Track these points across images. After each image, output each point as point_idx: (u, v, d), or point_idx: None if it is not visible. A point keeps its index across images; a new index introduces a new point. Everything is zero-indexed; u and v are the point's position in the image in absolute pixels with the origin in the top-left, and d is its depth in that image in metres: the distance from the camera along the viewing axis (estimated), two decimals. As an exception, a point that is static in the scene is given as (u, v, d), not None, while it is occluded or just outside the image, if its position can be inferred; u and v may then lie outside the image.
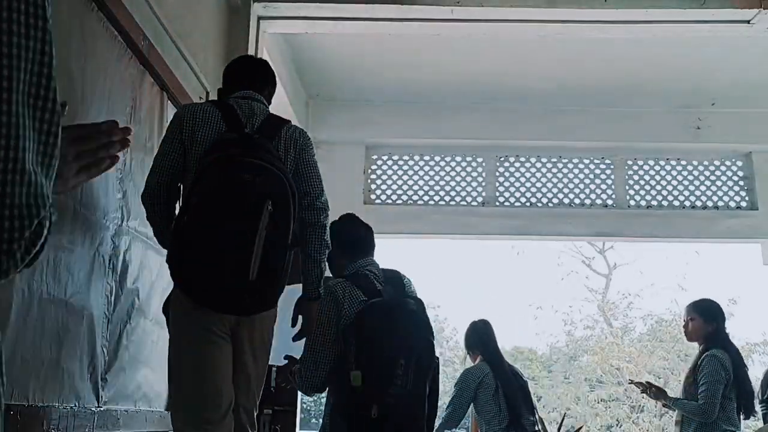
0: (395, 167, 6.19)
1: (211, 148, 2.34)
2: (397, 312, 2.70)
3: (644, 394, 4.30)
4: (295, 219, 2.36)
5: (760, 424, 4.51)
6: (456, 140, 6.12)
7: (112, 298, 2.60)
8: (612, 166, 6.20)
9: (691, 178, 6.18)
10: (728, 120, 6.02)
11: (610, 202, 6.14)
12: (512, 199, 6.12)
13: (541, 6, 4.19)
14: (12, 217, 0.65)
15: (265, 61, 2.88)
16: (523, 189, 6.15)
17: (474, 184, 6.15)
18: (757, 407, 4.09)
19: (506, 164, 6.21)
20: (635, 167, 6.20)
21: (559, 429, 5.88)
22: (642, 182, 6.17)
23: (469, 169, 6.18)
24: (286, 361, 3.00)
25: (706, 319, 3.97)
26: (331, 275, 2.81)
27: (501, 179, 6.17)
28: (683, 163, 6.20)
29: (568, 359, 19.85)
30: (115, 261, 2.62)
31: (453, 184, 6.14)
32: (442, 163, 6.19)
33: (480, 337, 4.57)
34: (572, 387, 17.93)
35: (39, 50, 0.73)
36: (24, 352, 2.02)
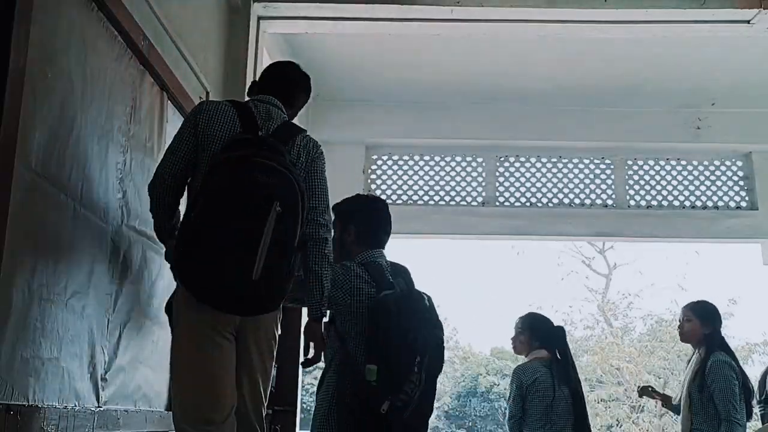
0: (395, 167, 6.19)
1: (224, 147, 2.34)
2: (414, 308, 2.68)
3: (654, 400, 4.30)
4: (303, 223, 2.36)
5: (760, 424, 4.51)
6: (456, 140, 6.12)
7: (112, 298, 2.61)
8: (612, 166, 6.20)
9: (691, 178, 6.18)
10: (728, 120, 6.01)
11: (610, 202, 6.14)
12: (512, 199, 6.12)
13: (541, 6, 4.19)
14: None
15: (299, 72, 2.79)
16: (523, 189, 6.15)
17: (474, 184, 6.15)
18: (756, 407, 4.09)
19: (506, 164, 6.21)
20: (635, 167, 6.20)
21: None
22: (642, 182, 6.17)
23: (469, 169, 6.19)
24: None
25: (702, 321, 3.96)
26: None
27: (501, 179, 6.17)
28: (683, 163, 6.20)
29: (567, 359, 19.82)
30: (115, 261, 2.62)
31: (453, 184, 6.14)
32: (442, 163, 6.19)
33: (555, 337, 4.28)
34: (572, 387, 17.92)
35: None
36: (24, 352, 2.02)
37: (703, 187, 6.16)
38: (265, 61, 4.39)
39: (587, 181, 6.18)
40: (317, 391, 2.78)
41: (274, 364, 2.51)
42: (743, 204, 6.11)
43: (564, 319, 19.81)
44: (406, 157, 6.20)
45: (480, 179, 6.16)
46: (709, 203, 6.12)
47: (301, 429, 4.82)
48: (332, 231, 2.61)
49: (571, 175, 6.18)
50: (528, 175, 6.18)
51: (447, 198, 6.12)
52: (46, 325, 2.14)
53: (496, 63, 5.44)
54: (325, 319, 2.65)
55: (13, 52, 1.93)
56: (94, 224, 2.45)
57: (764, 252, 6.18)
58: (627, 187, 6.15)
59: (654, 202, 6.13)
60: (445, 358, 2.78)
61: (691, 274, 39.69)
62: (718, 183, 6.16)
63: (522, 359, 4.30)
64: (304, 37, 4.88)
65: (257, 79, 2.79)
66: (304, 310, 2.65)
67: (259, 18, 4.24)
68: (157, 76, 3.01)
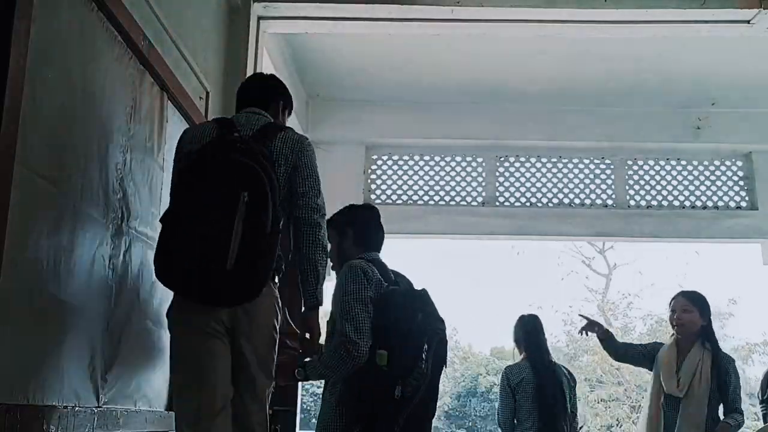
0: (395, 167, 6.19)
1: (197, 151, 2.42)
2: (419, 299, 2.76)
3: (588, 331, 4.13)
4: (274, 208, 2.34)
5: (760, 424, 4.51)
6: (456, 140, 6.12)
7: (112, 298, 2.60)
8: (612, 166, 6.21)
9: (691, 178, 6.18)
10: (728, 120, 6.02)
11: (610, 202, 6.14)
12: (512, 199, 6.13)
13: (541, 6, 4.19)
14: None
15: (268, 76, 2.91)
16: (523, 189, 6.15)
17: (474, 184, 6.15)
18: (757, 407, 4.06)
19: (506, 164, 6.21)
20: (635, 167, 6.20)
21: None
22: (642, 182, 6.17)
23: (469, 169, 6.19)
24: None
25: (701, 313, 3.90)
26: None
27: (501, 179, 6.17)
28: (683, 163, 6.20)
29: (568, 359, 19.85)
30: (115, 261, 2.62)
31: (453, 184, 6.14)
32: (442, 163, 6.19)
33: (524, 332, 4.46)
34: (572, 387, 17.93)
35: None
36: (24, 352, 2.02)
37: (703, 187, 6.16)
38: (266, 61, 4.39)
39: (587, 181, 6.18)
40: (324, 387, 2.81)
41: (275, 358, 2.49)
42: (743, 204, 6.12)
43: (564, 319, 19.84)
44: (406, 157, 6.20)
45: (480, 179, 6.16)
46: (709, 203, 6.12)
47: (301, 429, 4.82)
48: (325, 216, 2.63)
49: (571, 175, 6.18)
50: (528, 175, 6.18)
51: (447, 198, 6.12)
52: (46, 325, 2.15)
53: (496, 63, 5.44)
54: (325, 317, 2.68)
55: (13, 52, 1.93)
56: (94, 224, 2.45)
57: (764, 252, 6.18)
58: (627, 187, 6.15)
59: (654, 202, 6.13)
60: (444, 347, 2.81)
61: (691, 274, 39.60)
62: (718, 183, 6.16)
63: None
64: (304, 37, 4.88)
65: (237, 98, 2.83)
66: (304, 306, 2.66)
67: (259, 18, 4.24)
68: (157, 76, 3.00)
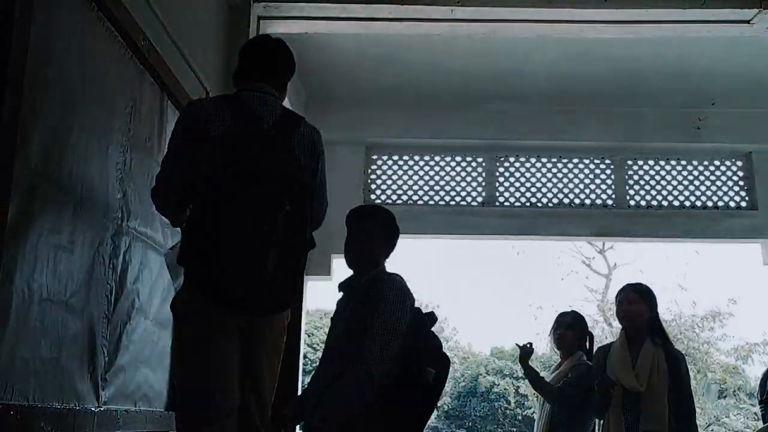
0: (395, 167, 6.19)
1: (226, 146, 2.26)
2: (433, 323, 2.84)
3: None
4: (311, 220, 2.35)
5: (760, 424, 4.51)
6: (456, 140, 6.12)
7: (112, 298, 2.60)
8: (612, 166, 6.20)
9: (691, 178, 6.18)
10: (728, 120, 6.02)
11: (610, 202, 6.14)
12: (512, 199, 6.12)
13: (540, 6, 4.19)
14: None
15: (281, 46, 2.63)
16: (523, 189, 6.15)
17: (474, 184, 6.15)
18: (756, 407, 4.01)
19: (506, 164, 6.21)
20: (635, 167, 6.20)
21: None
22: (642, 182, 6.17)
23: (469, 169, 6.19)
24: None
25: (648, 305, 3.73)
26: None
27: (501, 179, 6.17)
28: (683, 163, 6.20)
29: (568, 359, 19.83)
30: (115, 261, 2.62)
31: (453, 184, 6.14)
32: (442, 163, 6.19)
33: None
34: (572, 387, 17.92)
35: None
36: (24, 352, 2.02)
37: (703, 187, 6.16)
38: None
39: (587, 181, 6.18)
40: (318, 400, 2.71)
41: (280, 364, 2.48)
42: (743, 204, 6.11)
43: (564, 319, 19.79)
44: (406, 157, 6.20)
45: (480, 179, 6.16)
46: (709, 203, 6.12)
47: (301, 429, 4.81)
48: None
49: (571, 175, 6.18)
50: (528, 175, 6.18)
51: (447, 198, 6.12)
52: (46, 325, 2.14)
53: (496, 63, 5.44)
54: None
55: (13, 52, 1.94)
56: (94, 224, 2.45)
57: (764, 252, 6.18)
58: (627, 187, 6.15)
59: (654, 202, 6.13)
60: None
61: (691, 274, 39.70)
62: (718, 183, 6.16)
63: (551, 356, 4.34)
64: (304, 37, 4.88)
65: (238, 62, 2.62)
66: (305, 305, 2.66)
67: (259, 18, 4.23)
68: (157, 76, 3.01)
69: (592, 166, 6.21)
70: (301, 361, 5.53)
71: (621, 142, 6.11)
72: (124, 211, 2.69)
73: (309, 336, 18.41)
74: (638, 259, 34.65)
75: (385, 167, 6.19)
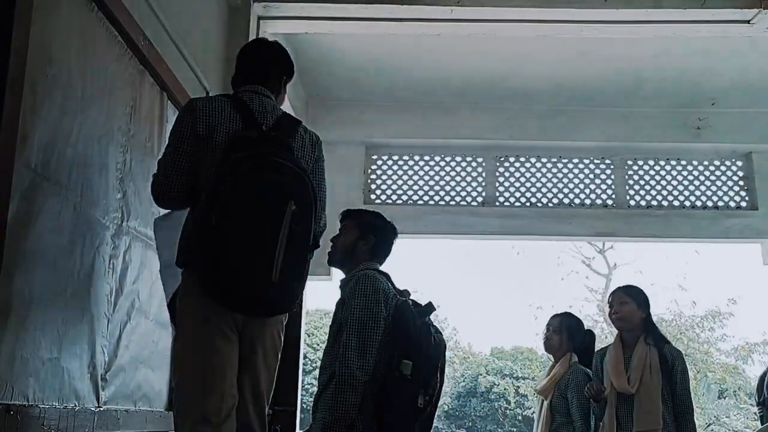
0: (395, 167, 6.19)
1: (229, 146, 2.27)
2: (427, 313, 2.80)
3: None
4: (316, 220, 2.36)
5: (759, 424, 4.51)
6: (456, 140, 6.12)
7: (112, 298, 2.60)
8: (612, 166, 6.21)
9: (691, 178, 6.18)
10: (728, 120, 6.02)
11: (610, 202, 6.14)
12: (512, 199, 6.12)
13: (540, 6, 4.19)
14: None
15: (277, 48, 2.67)
16: (523, 189, 6.15)
17: (474, 184, 6.15)
18: (755, 409, 3.99)
19: (506, 164, 6.21)
20: (635, 167, 6.20)
21: None
22: (642, 182, 6.17)
23: (469, 169, 6.19)
24: None
25: (639, 305, 3.75)
26: None
27: (501, 179, 6.17)
28: (683, 163, 6.20)
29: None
30: (115, 261, 2.62)
31: (453, 184, 6.14)
32: (442, 163, 6.19)
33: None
34: (572, 387, 17.92)
35: None
36: (24, 352, 2.02)
37: (703, 187, 6.16)
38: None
39: (587, 181, 6.18)
40: (316, 408, 2.75)
41: (278, 364, 2.48)
42: (743, 204, 6.11)
43: (564, 319, 19.79)
44: (406, 157, 6.20)
45: (480, 179, 6.16)
46: (709, 203, 6.12)
47: (300, 429, 4.82)
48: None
49: (571, 175, 6.18)
50: (528, 175, 6.18)
51: (447, 198, 6.12)
52: (46, 325, 2.14)
53: (496, 63, 5.44)
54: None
55: (13, 52, 1.94)
56: (94, 224, 2.45)
57: (764, 252, 6.18)
58: (627, 187, 6.15)
59: (654, 202, 6.13)
60: (446, 358, 2.88)
61: (691, 274, 39.74)
62: (718, 183, 6.16)
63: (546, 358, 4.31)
64: (304, 37, 4.88)
65: (236, 65, 2.63)
66: (305, 305, 2.67)
67: (259, 18, 4.24)
68: (157, 76, 3.01)
69: (592, 166, 6.21)
70: (301, 361, 5.53)
71: (621, 142, 6.11)
72: (124, 211, 2.69)
73: (309, 336, 18.41)
74: (638, 259, 34.72)
75: (385, 167, 6.19)
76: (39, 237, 2.10)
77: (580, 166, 6.21)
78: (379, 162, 6.20)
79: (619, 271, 20.03)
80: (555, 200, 6.13)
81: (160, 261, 2.55)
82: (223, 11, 4.07)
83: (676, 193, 6.15)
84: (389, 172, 6.18)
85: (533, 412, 18.08)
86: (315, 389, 2.87)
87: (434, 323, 2.88)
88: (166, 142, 2.45)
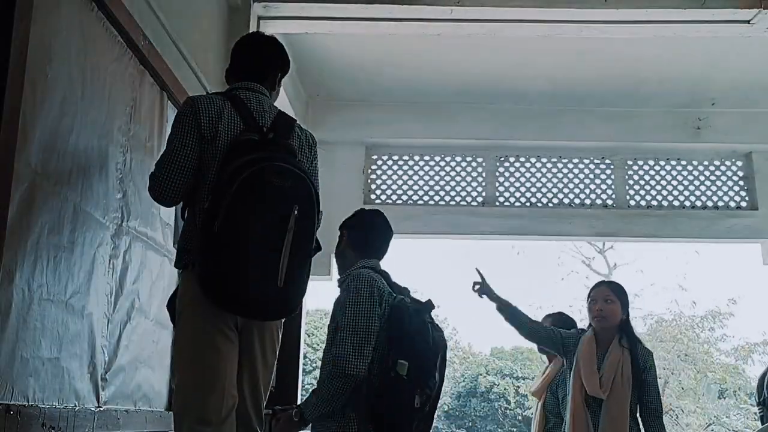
0: (395, 167, 6.19)
1: (233, 149, 2.26)
2: (426, 312, 2.76)
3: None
4: (318, 224, 2.36)
5: (759, 424, 4.50)
6: (456, 140, 6.12)
7: (112, 298, 2.61)
8: (612, 166, 6.20)
9: (691, 178, 6.18)
10: (728, 120, 6.02)
11: (610, 202, 6.14)
12: (512, 199, 6.12)
13: (540, 6, 4.19)
14: None
15: (273, 43, 2.63)
16: (523, 189, 6.15)
17: (474, 184, 6.15)
18: (755, 409, 3.95)
19: (506, 164, 6.21)
20: (635, 167, 6.20)
21: None
22: (642, 182, 6.17)
23: (469, 169, 6.18)
24: None
25: (623, 305, 3.61)
26: None
27: (501, 179, 6.17)
28: (683, 163, 6.20)
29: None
30: (115, 261, 2.62)
31: (453, 184, 6.14)
32: (442, 163, 6.19)
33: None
34: (572, 387, 17.92)
35: None
36: (24, 352, 2.02)
37: (703, 187, 6.16)
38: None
39: (587, 181, 6.18)
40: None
41: (276, 363, 2.49)
42: (743, 204, 6.11)
43: (564, 319, 19.79)
44: (406, 157, 6.19)
45: (480, 179, 6.16)
46: (709, 203, 6.12)
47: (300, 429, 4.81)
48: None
49: (571, 175, 6.18)
50: (528, 175, 6.18)
51: (447, 198, 6.12)
52: (46, 325, 2.14)
53: (496, 63, 5.44)
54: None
55: (13, 52, 1.94)
56: (94, 224, 2.45)
57: (764, 252, 6.18)
58: (627, 187, 6.15)
59: (654, 202, 6.13)
60: (446, 356, 2.84)
61: (691, 274, 39.76)
62: (718, 183, 6.16)
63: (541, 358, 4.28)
64: (304, 37, 4.88)
65: (231, 59, 2.60)
66: (305, 305, 2.66)
67: (259, 18, 4.24)
68: (157, 76, 3.01)
69: (592, 166, 6.21)
70: (301, 361, 5.53)
71: (621, 142, 6.11)
72: (124, 211, 2.69)
73: (309, 336, 18.41)
74: (638, 259, 34.70)
75: (385, 167, 6.19)
76: (39, 237, 2.10)
77: (580, 166, 6.21)
78: (379, 162, 6.19)
79: (619, 271, 20.03)
80: (555, 200, 6.12)
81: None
82: (223, 11, 4.07)
83: (676, 193, 6.15)
84: (389, 172, 6.18)
85: (532, 412, 18.12)
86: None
87: (435, 321, 2.84)
88: (167, 140, 2.42)
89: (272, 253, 2.17)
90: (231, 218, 2.16)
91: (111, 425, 2.58)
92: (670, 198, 6.14)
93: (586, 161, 6.21)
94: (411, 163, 6.19)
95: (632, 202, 6.13)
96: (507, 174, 6.18)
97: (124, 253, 2.70)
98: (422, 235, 6.26)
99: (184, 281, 2.30)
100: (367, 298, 2.67)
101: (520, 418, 19.85)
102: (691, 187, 6.16)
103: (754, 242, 6.27)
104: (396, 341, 2.62)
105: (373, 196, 6.10)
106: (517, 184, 6.15)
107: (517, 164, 6.20)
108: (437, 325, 2.82)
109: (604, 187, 6.17)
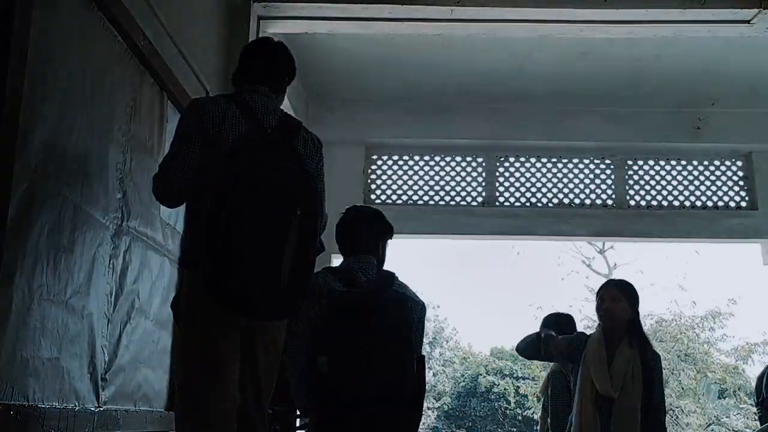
0: (395, 167, 6.19)
1: (237, 149, 2.26)
2: (368, 302, 2.69)
3: None
4: (322, 229, 2.37)
5: (759, 424, 4.50)
6: (456, 140, 6.12)
7: (112, 298, 2.60)
8: (612, 166, 6.21)
9: (691, 178, 6.18)
10: (728, 120, 6.02)
11: (610, 202, 6.14)
12: (512, 199, 6.12)
13: (540, 6, 4.19)
14: None
15: (282, 49, 2.64)
16: (523, 189, 6.15)
17: (474, 184, 6.15)
18: (754, 409, 3.94)
19: (506, 164, 6.21)
20: (635, 167, 6.20)
21: None
22: (642, 182, 6.17)
23: (469, 169, 6.19)
24: None
25: (631, 304, 3.59)
26: None
27: (501, 179, 6.17)
28: (683, 163, 6.20)
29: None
30: (115, 261, 2.62)
31: (453, 184, 6.14)
32: (442, 163, 6.19)
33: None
34: (572, 387, 17.92)
35: None
36: (24, 352, 2.02)
37: (703, 187, 6.16)
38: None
39: (587, 181, 6.18)
40: None
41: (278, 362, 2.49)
42: (743, 204, 6.11)
43: (564, 319, 19.77)
44: (406, 157, 6.20)
45: (480, 179, 6.16)
46: (709, 203, 6.12)
47: (300, 429, 4.81)
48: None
49: (571, 175, 6.18)
50: (528, 175, 6.18)
51: (447, 198, 6.12)
52: (46, 325, 2.14)
53: (496, 63, 5.44)
54: None
55: (13, 52, 1.94)
56: (94, 224, 2.45)
57: (764, 252, 6.18)
58: (627, 187, 6.15)
59: (654, 202, 6.13)
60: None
61: (691, 274, 39.73)
62: (718, 183, 6.16)
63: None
64: (304, 37, 4.88)
65: (239, 63, 2.62)
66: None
67: (259, 18, 4.24)
68: (157, 76, 3.01)
69: (592, 166, 6.21)
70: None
71: (621, 142, 6.11)
72: (124, 211, 2.69)
73: (309, 336, 18.36)
74: (638, 259, 34.65)
75: (385, 167, 6.19)
76: (39, 237, 2.10)
77: (580, 166, 6.21)
78: (379, 162, 6.20)
79: (619, 271, 20.02)
80: (555, 200, 6.13)
81: None
82: (223, 11, 4.07)
83: (676, 193, 6.15)
84: (389, 172, 6.18)
85: (533, 412, 18.07)
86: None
87: (399, 306, 2.75)
88: (169, 142, 2.43)
89: (275, 253, 2.18)
90: (234, 218, 2.17)
91: (111, 425, 2.58)
92: (670, 198, 6.14)
93: (586, 161, 6.21)
94: (411, 163, 6.19)
95: (632, 202, 6.13)
96: (507, 174, 6.19)
97: (124, 253, 2.70)
98: (422, 235, 6.26)
99: (189, 281, 2.30)
100: (310, 298, 2.61)
101: (520, 418, 19.83)
102: (691, 187, 6.16)
103: (754, 242, 6.27)
104: (318, 338, 2.62)
105: (373, 196, 6.10)
106: (517, 184, 6.16)
107: (517, 164, 6.20)
108: (393, 312, 2.71)
109: (604, 187, 6.17)
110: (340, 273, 2.77)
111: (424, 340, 3.28)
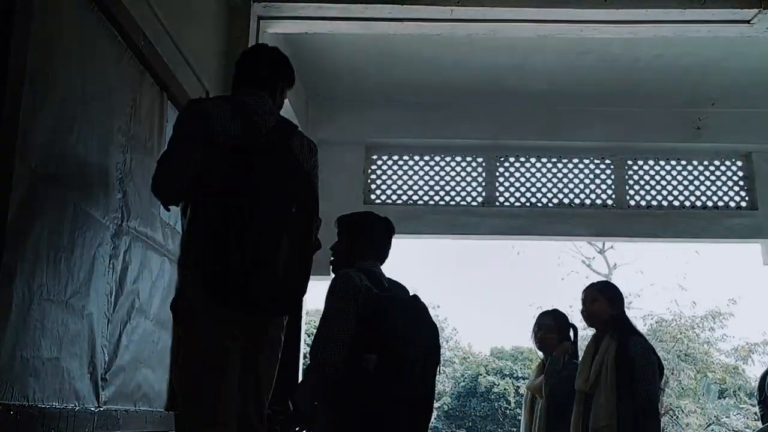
0: (395, 167, 6.19)
1: (234, 151, 2.28)
2: (411, 306, 2.78)
3: None
4: (318, 222, 2.38)
5: (760, 424, 4.51)
6: (456, 140, 6.12)
7: (112, 298, 2.60)
8: (612, 166, 6.21)
9: (691, 178, 6.18)
10: (728, 120, 6.02)
11: (610, 202, 6.14)
12: (512, 199, 6.12)
13: (540, 6, 4.19)
14: None
15: (276, 55, 2.70)
16: (523, 189, 6.15)
17: (474, 184, 6.15)
18: (756, 408, 3.97)
19: (506, 164, 6.21)
20: (635, 167, 6.20)
21: None
22: (642, 182, 6.17)
23: (469, 169, 6.19)
24: None
25: (610, 302, 3.68)
26: None
27: (501, 179, 6.17)
28: (683, 163, 6.20)
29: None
30: (115, 261, 2.62)
31: (453, 184, 6.14)
32: (442, 163, 6.19)
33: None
34: (572, 387, 17.91)
35: None
36: (24, 352, 2.02)
37: (703, 187, 6.16)
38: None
39: (587, 181, 6.18)
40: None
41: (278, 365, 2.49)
42: (743, 204, 6.11)
43: (564, 319, 19.78)
44: (406, 157, 6.20)
45: (480, 179, 6.16)
46: (709, 203, 6.12)
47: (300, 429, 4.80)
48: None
49: (571, 175, 6.18)
50: (528, 175, 6.18)
51: (447, 198, 6.12)
52: (46, 325, 2.14)
53: (496, 63, 5.44)
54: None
55: (13, 52, 1.94)
56: (94, 224, 2.45)
57: (764, 252, 6.18)
58: (627, 187, 6.15)
59: (654, 202, 6.13)
60: (446, 358, 2.86)
61: (691, 274, 39.80)
62: (718, 183, 6.16)
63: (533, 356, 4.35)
64: (304, 37, 4.88)
65: (235, 71, 2.66)
66: (305, 305, 2.68)
67: (259, 18, 4.24)
68: (157, 76, 3.01)
69: (592, 166, 6.21)
70: (301, 361, 5.53)
71: (621, 142, 6.11)
72: (124, 211, 2.69)
73: (309, 336, 18.41)
74: (638, 259, 34.69)
75: (385, 167, 6.19)
76: (39, 237, 2.10)
77: (580, 166, 6.21)
78: (379, 162, 6.20)
79: (619, 271, 20.05)
80: (555, 200, 6.13)
81: None
82: (223, 11, 4.07)
83: (676, 193, 6.15)
84: (389, 173, 6.18)
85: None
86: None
87: (429, 314, 2.86)
88: (168, 141, 2.43)
89: (272, 251, 2.20)
90: (231, 217, 2.18)
91: (111, 425, 2.58)
92: (670, 198, 6.14)
93: (586, 161, 6.21)
94: (411, 163, 6.19)
95: (632, 202, 6.13)
96: (507, 174, 6.19)
97: (124, 253, 2.70)
98: (422, 235, 6.26)
99: (190, 281, 2.30)
100: (341, 296, 2.70)
101: (520, 418, 19.86)
102: (691, 187, 6.16)
103: (754, 242, 6.27)
104: (366, 336, 2.64)
105: (373, 196, 6.10)
106: (517, 184, 6.16)
107: (517, 164, 6.20)
108: (429, 320, 2.84)
109: (604, 187, 6.17)
110: (368, 274, 2.80)
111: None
